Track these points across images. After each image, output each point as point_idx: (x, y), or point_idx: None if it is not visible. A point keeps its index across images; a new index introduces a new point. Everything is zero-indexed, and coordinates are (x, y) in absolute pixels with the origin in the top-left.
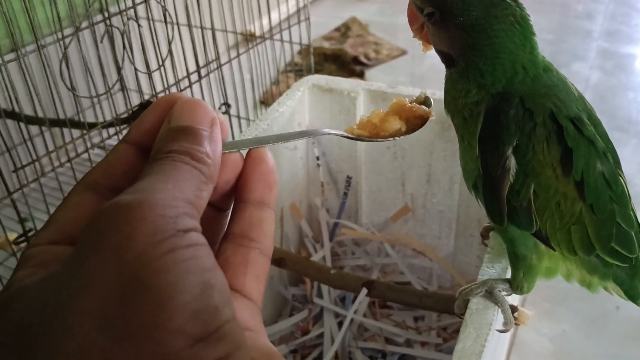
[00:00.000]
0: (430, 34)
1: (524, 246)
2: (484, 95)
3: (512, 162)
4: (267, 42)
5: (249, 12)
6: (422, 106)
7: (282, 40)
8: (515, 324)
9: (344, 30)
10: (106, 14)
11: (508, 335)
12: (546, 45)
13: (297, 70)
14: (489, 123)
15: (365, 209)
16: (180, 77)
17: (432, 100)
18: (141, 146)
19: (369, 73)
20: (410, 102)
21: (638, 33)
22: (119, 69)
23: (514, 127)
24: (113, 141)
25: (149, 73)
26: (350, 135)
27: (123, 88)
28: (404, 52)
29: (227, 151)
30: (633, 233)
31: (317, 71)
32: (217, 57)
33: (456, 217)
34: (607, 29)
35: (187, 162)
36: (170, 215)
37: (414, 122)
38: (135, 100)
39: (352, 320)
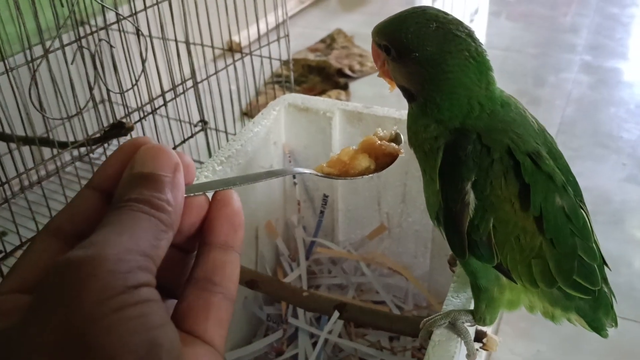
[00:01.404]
0: (391, 70)
1: (485, 279)
2: (442, 130)
3: (471, 197)
4: (252, 55)
5: (227, 26)
6: (392, 144)
7: (261, 56)
8: (484, 349)
9: (329, 42)
10: (77, 35)
11: (483, 355)
12: (530, 59)
13: (282, 82)
14: (448, 158)
15: (342, 227)
16: (155, 95)
17: (402, 137)
18: (105, 191)
19: (353, 85)
20: (380, 140)
21: (622, 47)
22: (90, 89)
23: (472, 163)
24: (84, 162)
25: (122, 93)
26: (318, 174)
27: (95, 107)
28: None
29: (192, 194)
30: (595, 265)
31: (301, 83)
32: (193, 75)
33: (431, 236)
34: (591, 42)
35: (146, 211)
36: (121, 271)
37: (383, 160)
38: (114, 117)
39: (326, 341)
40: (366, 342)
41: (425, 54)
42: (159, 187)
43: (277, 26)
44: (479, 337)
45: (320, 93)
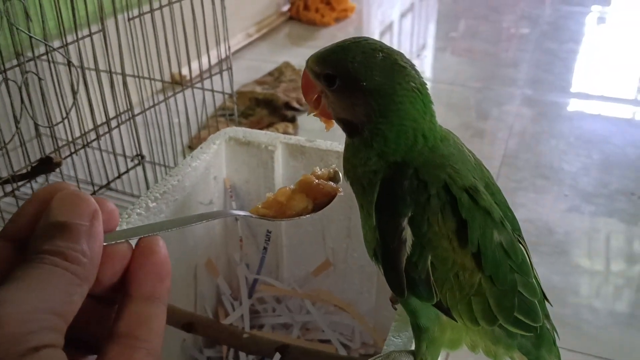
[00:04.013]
0: (330, 103)
1: (425, 317)
2: (382, 164)
3: (408, 234)
4: (194, 88)
5: (167, 59)
6: (330, 182)
7: (203, 89)
8: None
9: (277, 75)
10: (2, 67)
11: None
12: (474, 93)
13: (229, 115)
14: (384, 193)
15: (287, 263)
16: (88, 128)
17: (340, 175)
18: (19, 242)
19: (300, 118)
20: (318, 178)
21: (561, 81)
22: (16, 123)
23: (408, 199)
24: (9, 199)
25: (51, 127)
26: (253, 216)
27: (21, 141)
28: None
29: (113, 242)
30: (536, 301)
31: (248, 116)
32: (130, 107)
33: (377, 271)
34: (532, 77)
35: (58, 264)
36: (23, 332)
37: (322, 199)
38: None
39: None
40: None
41: (373, 84)
42: (74, 237)
43: (221, 61)
44: None
45: (268, 126)
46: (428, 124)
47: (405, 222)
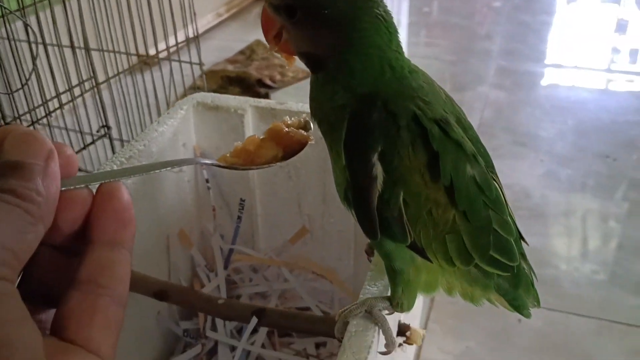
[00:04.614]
0: (292, 38)
1: (400, 260)
2: (349, 98)
3: (379, 169)
4: (165, 65)
5: (132, 34)
6: (301, 131)
7: (169, 59)
8: (408, 343)
9: (249, 54)
10: None
11: (412, 354)
12: (448, 66)
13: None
14: (352, 128)
15: (262, 232)
16: (49, 97)
17: (312, 124)
18: None
19: (274, 95)
20: (288, 127)
21: (535, 52)
22: None
23: (377, 132)
24: None
25: (10, 93)
26: (222, 164)
27: None
28: (309, 74)
29: (72, 187)
30: (512, 240)
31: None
32: (94, 74)
33: (354, 237)
34: (506, 48)
35: (9, 200)
36: None
37: (292, 147)
38: None
39: (249, 353)
40: (292, 350)
41: (335, 11)
42: (27, 175)
43: (188, 41)
44: (402, 330)
45: None
46: (394, 53)
47: (375, 158)
